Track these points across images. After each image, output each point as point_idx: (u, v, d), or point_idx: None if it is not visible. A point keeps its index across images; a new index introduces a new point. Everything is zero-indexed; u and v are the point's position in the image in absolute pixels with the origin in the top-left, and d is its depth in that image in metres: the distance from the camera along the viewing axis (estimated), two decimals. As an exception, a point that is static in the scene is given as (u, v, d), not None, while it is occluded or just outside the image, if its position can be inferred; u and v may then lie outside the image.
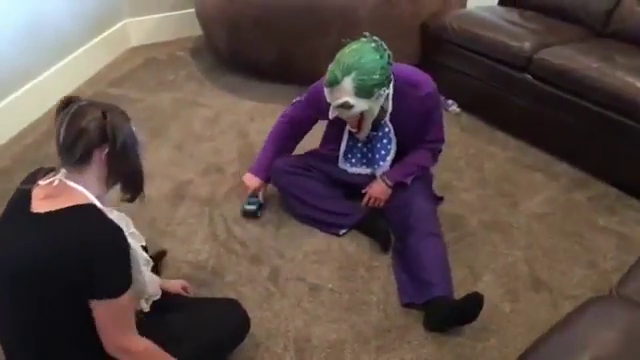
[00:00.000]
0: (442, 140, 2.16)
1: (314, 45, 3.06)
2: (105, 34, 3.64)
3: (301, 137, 2.28)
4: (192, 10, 3.64)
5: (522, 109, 2.80)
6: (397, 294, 1.91)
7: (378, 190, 2.14)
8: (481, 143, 2.85)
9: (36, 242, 1.21)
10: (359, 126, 2.02)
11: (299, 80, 3.27)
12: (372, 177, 2.18)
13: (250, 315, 1.65)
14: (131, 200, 1.39)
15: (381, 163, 2.12)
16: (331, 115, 1.95)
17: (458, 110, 3.14)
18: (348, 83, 1.82)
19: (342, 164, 2.20)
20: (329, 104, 1.93)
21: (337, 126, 2.13)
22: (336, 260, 2.07)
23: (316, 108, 2.10)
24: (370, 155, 2.16)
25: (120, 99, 3.15)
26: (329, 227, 2.18)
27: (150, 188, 2.41)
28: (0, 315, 1.33)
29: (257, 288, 1.94)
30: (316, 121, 2.22)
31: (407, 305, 1.87)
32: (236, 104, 3.17)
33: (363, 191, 2.18)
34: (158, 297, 1.50)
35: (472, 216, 2.30)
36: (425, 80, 2.01)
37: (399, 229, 2.07)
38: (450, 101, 3.16)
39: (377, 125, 2.05)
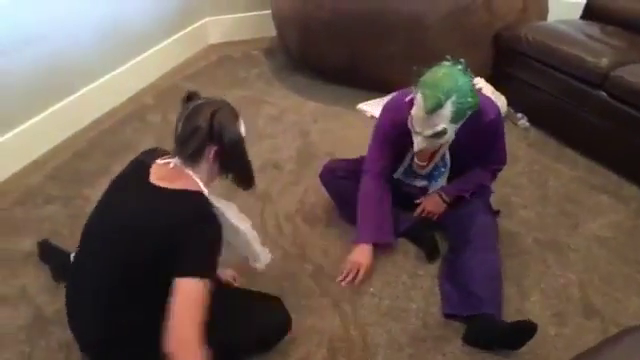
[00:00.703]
0: (504, 162, 2.10)
1: (382, 50, 3.07)
2: (186, 31, 3.82)
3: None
4: (268, 12, 3.75)
5: (594, 127, 2.67)
6: (438, 305, 1.88)
7: (433, 203, 2.11)
8: (547, 160, 2.74)
9: (147, 209, 1.38)
10: (430, 158, 1.98)
11: (364, 84, 3.30)
12: (424, 190, 2.15)
13: (289, 309, 1.69)
14: (244, 189, 1.56)
15: (434, 182, 2.10)
16: (417, 147, 1.84)
17: (527, 124, 3.03)
18: (448, 108, 1.74)
19: (396, 174, 2.18)
20: (407, 134, 1.86)
21: (397, 147, 2.03)
22: (380, 265, 2.06)
23: (393, 141, 2.00)
24: (425, 175, 2.14)
25: (192, 93, 3.29)
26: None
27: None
28: (76, 270, 1.48)
29: (300, 285, 1.97)
30: (398, 153, 2.09)
31: (448, 316, 1.83)
32: (301, 104, 3.23)
33: (417, 201, 2.15)
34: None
35: (528, 234, 2.22)
36: (489, 105, 1.92)
37: (456, 240, 2.03)
38: (519, 114, 3.06)
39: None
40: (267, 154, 2.74)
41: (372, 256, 1.99)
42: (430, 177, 2.11)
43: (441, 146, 1.93)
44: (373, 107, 3.10)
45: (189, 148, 1.41)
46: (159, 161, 1.46)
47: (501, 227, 2.22)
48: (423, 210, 2.13)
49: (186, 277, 1.32)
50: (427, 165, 2.02)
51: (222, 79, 3.52)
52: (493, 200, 2.26)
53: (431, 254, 2.07)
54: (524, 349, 1.70)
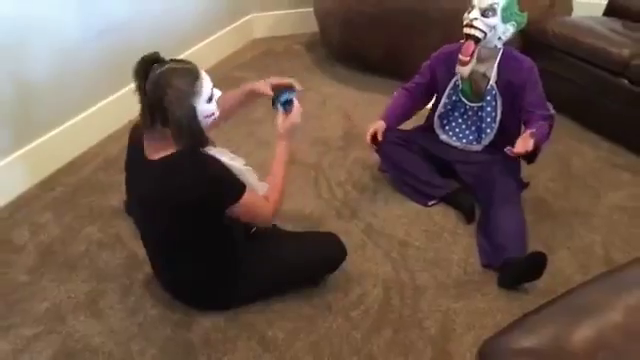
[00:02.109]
0: (547, 109, 2.33)
1: (420, 44, 3.33)
2: (233, 26, 4.13)
3: (419, 103, 2.57)
4: (309, 9, 4.04)
5: (617, 112, 2.92)
6: (476, 256, 2.14)
7: (523, 142, 2.12)
8: (572, 141, 2.98)
9: (154, 186, 1.61)
10: (472, 54, 2.25)
11: (402, 76, 3.54)
12: (463, 153, 2.42)
13: (346, 259, 1.96)
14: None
15: (488, 131, 2.36)
16: (470, 17, 2.20)
17: (553, 112, 3.27)
18: None
19: (438, 128, 2.47)
20: (450, 67, 2.33)
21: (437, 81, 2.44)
22: (423, 224, 2.33)
23: (434, 71, 2.43)
24: (470, 122, 2.42)
25: (242, 80, 3.57)
26: (420, 196, 2.44)
27: (266, 153, 2.81)
28: (142, 231, 1.83)
29: (353, 238, 2.24)
30: (431, 93, 2.50)
31: (485, 266, 2.09)
32: (342, 92, 3.51)
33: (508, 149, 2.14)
34: None
35: (554, 202, 2.47)
36: (526, 57, 2.30)
37: (485, 201, 2.29)
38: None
39: (481, 94, 2.31)
40: (316, 133, 3.02)
41: (383, 126, 2.45)
42: (479, 131, 2.39)
43: (482, 40, 2.22)
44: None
45: (155, 119, 1.56)
46: (145, 135, 1.63)
47: (529, 195, 2.48)
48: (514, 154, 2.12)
49: (233, 206, 1.63)
50: (469, 61, 2.27)
51: (268, 69, 3.82)
52: (522, 174, 2.53)
53: (469, 216, 2.33)
54: (553, 292, 1.96)
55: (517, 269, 1.95)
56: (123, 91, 3.00)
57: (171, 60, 1.59)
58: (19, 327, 1.81)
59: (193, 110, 1.55)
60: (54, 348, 1.74)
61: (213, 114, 1.63)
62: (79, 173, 2.63)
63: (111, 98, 2.96)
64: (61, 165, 2.66)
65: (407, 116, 2.60)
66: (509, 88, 2.29)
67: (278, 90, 1.83)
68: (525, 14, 2.26)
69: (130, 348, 1.74)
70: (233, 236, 1.79)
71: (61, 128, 2.64)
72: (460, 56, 2.30)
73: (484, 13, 2.20)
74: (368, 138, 2.43)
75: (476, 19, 2.21)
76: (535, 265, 1.94)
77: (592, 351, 1.16)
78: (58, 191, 2.49)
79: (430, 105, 2.57)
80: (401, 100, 2.57)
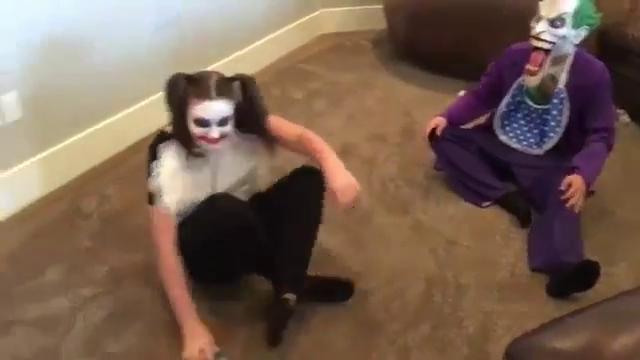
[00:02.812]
0: (612, 129, 2.23)
1: (488, 43, 3.26)
2: (302, 20, 4.22)
3: (485, 106, 2.52)
4: (378, 6, 4.05)
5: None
6: (527, 261, 2.09)
7: (579, 183, 2.08)
8: (644, 153, 2.84)
9: None
10: (541, 64, 2.20)
11: (469, 76, 3.49)
12: (522, 156, 2.36)
13: (390, 253, 2.03)
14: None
15: (551, 135, 2.30)
16: (537, 29, 2.14)
17: (628, 120, 3.13)
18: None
19: (498, 128, 2.42)
20: (517, 66, 2.28)
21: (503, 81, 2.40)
22: (475, 225, 2.29)
23: (501, 71, 2.40)
24: (533, 124, 2.35)
25: (308, 74, 3.68)
26: (475, 196, 2.40)
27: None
28: None
29: (400, 233, 2.25)
30: (499, 94, 2.43)
31: (534, 270, 2.04)
32: (405, 89, 3.50)
33: (562, 187, 2.09)
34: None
35: (621, 212, 2.36)
36: (599, 61, 2.22)
37: (540, 207, 2.23)
38: (620, 111, 3.16)
39: (548, 96, 2.25)
40: (374, 128, 3.03)
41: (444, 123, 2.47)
42: (542, 134, 2.32)
43: (552, 49, 2.16)
44: (475, 95, 3.31)
45: None
46: None
47: (595, 204, 2.37)
48: (567, 188, 2.08)
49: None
50: (538, 70, 2.21)
51: (334, 64, 3.87)
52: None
53: (524, 220, 2.27)
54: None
55: (567, 276, 1.89)
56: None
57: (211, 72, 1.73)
58: (79, 287, 1.95)
59: (184, 104, 1.65)
60: (108, 309, 1.86)
61: (204, 138, 1.67)
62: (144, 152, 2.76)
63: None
64: (131, 143, 2.81)
65: (471, 117, 2.57)
66: (578, 92, 2.22)
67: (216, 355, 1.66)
68: (599, 15, 2.18)
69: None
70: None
71: (134, 108, 2.80)
72: (528, 66, 2.25)
73: (553, 23, 2.14)
74: (427, 132, 2.44)
75: (544, 32, 2.15)
76: (586, 274, 1.87)
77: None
78: (125, 168, 2.64)
79: None
80: (466, 100, 2.55)
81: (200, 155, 1.73)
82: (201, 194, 1.75)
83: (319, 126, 3.05)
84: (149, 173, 1.73)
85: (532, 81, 2.27)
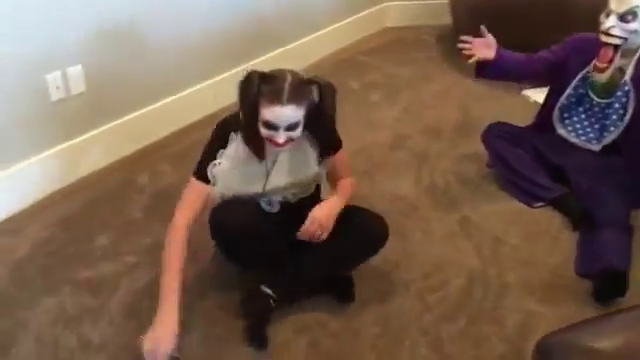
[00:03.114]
0: None
1: (555, 39, 3.14)
2: (366, 12, 4.20)
3: (532, 72, 2.41)
4: (443, 0, 3.97)
5: None
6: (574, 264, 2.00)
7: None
8: None
9: None
10: (611, 60, 2.10)
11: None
12: (578, 157, 2.25)
13: (433, 246, 1.98)
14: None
15: (611, 129, 2.18)
16: (607, 25, 2.05)
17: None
18: None
19: (557, 121, 2.31)
20: (583, 57, 2.18)
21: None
22: (525, 225, 2.21)
23: (567, 57, 2.28)
24: (594, 119, 2.24)
25: (366, 65, 3.67)
26: (526, 196, 2.31)
27: (375, 135, 2.85)
28: None
29: (445, 227, 2.20)
30: (550, 74, 2.35)
31: (579, 275, 1.94)
32: (465, 85, 3.42)
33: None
34: None
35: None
36: None
37: (591, 214, 2.11)
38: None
39: (613, 89, 2.15)
40: (429, 122, 2.99)
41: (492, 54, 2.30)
42: (602, 129, 2.21)
43: (623, 44, 2.07)
44: (537, 94, 3.19)
45: None
46: None
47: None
48: None
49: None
50: (607, 67, 2.11)
51: (395, 57, 3.83)
52: None
53: (577, 223, 2.17)
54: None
55: (607, 281, 1.80)
56: (250, 63, 3.18)
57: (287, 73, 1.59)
58: (126, 255, 2.03)
59: (255, 105, 1.57)
60: (150, 277, 1.93)
61: (270, 140, 1.60)
62: (201, 132, 2.83)
63: (238, 69, 3.15)
64: (187, 124, 2.89)
65: (513, 71, 2.37)
66: None
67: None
68: None
69: (217, 285, 1.87)
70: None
71: (192, 89, 2.88)
72: (597, 63, 2.15)
73: (623, 18, 2.04)
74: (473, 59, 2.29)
75: (613, 27, 2.06)
76: (618, 280, 1.77)
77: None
78: (179, 147, 2.72)
79: (541, 100, 2.42)
80: (521, 57, 2.38)
81: (261, 153, 1.68)
82: (251, 189, 1.73)
83: (373, 117, 3.04)
84: (210, 149, 1.71)
85: (601, 78, 2.17)
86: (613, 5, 2.07)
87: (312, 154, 1.75)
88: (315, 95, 1.60)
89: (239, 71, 1.55)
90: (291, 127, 1.57)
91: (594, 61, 2.17)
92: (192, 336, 1.70)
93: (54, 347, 1.68)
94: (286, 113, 1.54)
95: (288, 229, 1.72)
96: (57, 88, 2.26)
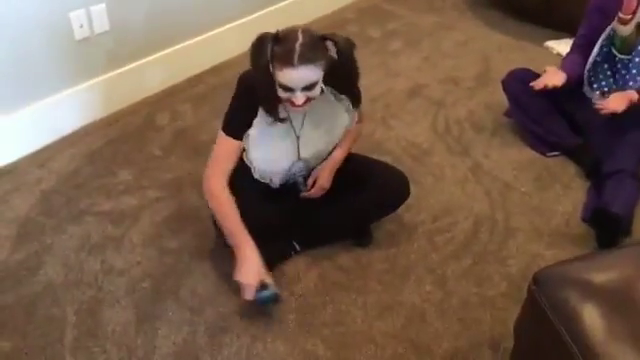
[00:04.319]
0: None
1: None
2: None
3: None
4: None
5: None
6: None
7: (617, 99, 2.07)
8: None
9: None
10: (635, 11, 2.06)
11: (555, 25, 3.32)
12: (595, 115, 2.22)
13: (443, 190, 2.04)
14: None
15: (630, 84, 2.16)
16: None
17: None
18: None
19: (587, 87, 2.28)
20: (605, 13, 2.12)
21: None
22: (536, 172, 2.23)
23: (594, 16, 2.23)
24: (618, 75, 2.22)
25: (389, 13, 3.62)
26: (541, 144, 2.32)
27: (393, 83, 2.86)
28: None
29: (457, 172, 2.23)
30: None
31: (584, 221, 1.96)
32: (488, 35, 3.37)
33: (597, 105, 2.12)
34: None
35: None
36: None
37: (602, 166, 2.13)
38: None
39: (633, 45, 2.13)
40: (448, 71, 2.97)
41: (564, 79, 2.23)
42: (624, 78, 2.19)
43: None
44: (561, 46, 3.13)
45: None
46: None
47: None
48: (602, 108, 2.08)
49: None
50: (631, 19, 2.09)
51: (417, 5, 3.76)
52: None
53: (590, 173, 2.18)
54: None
55: (599, 222, 1.86)
56: (275, 7, 3.18)
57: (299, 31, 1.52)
58: (146, 189, 2.12)
59: (269, 68, 1.51)
60: (170, 211, 2.02)
61: (289, 102, 1.56)
62: (222, 75, 2.89)
63: (262, 12, 3.16)
64: (209, 67, 2.93)
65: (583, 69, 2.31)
66: None
67: (262, 284, 1.62)
68: None
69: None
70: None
71: (214, 32, 2.90)
72: (620, 14, 2.10)
73: None
74: (541, 86, 2.23)
75: None
76: (607, 222, 1.83)
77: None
78: (201, 88, 2.77)
79: (564, 52, 2.39)
80: (573, 58, 2.34)
81: (284, 120, 1.65)
82: (285, 160, 1.73)
83: (392, 66, 3.04)
84: (239, 103, 1.67)
85: (624, 30, 2.12)
86: None
87: (340, 107, 1.75)
88: (332, 52, 1.56)
89: (264, 14, 1.49)
90: (308, 87, 1.53)
91: (619, 13, 2.12)
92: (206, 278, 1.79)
93: (79, 270, 1.79)
94: (299, 75, 1.49)
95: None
96: (81, 26, 2.31)
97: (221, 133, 1.68)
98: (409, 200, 2.04)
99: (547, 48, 3.21)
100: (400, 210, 1.98)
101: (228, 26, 2.95)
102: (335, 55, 1.55)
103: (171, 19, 2.66)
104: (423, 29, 3.44)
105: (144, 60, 2.62)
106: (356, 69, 1.63)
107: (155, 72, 2.68)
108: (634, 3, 2.06)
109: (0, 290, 1.72)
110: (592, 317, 1.09)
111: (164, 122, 2.51)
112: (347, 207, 1.82)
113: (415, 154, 2.33)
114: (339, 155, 1.81)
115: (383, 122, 2.54)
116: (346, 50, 1.55)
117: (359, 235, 1.90)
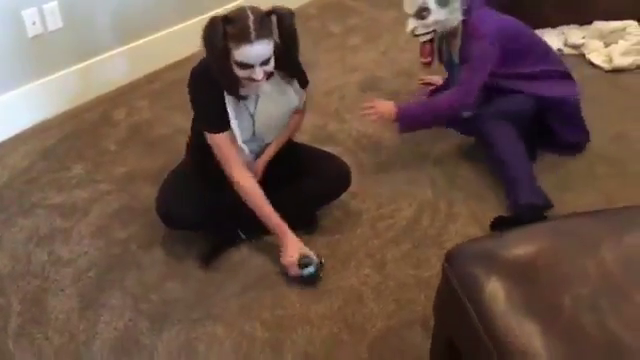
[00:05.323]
0: (465, 88, 2.05)
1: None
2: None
3: None
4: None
5: None
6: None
7: (384, 107, 2.13)
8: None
9: None
10: (430, 53, 2.23)
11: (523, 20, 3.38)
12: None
13: (390, 180, 2.12)
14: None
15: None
16: (408, 28, 2.09)
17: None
18: None
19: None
20: None
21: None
22: (481, 160, 2.29)
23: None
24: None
25: (350, 9, 3.68)
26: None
27: (349, 77, 2.91)
28: None
29: (404, 162, 2.29)
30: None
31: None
32: (447, 30, 3.44)
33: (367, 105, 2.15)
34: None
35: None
36: (484, 24, 2.03)
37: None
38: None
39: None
40: (405, 65, 3.01)
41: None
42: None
43: (436, 40, 2.19)
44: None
45: None
46: None
47: (611, 153, 2.31)
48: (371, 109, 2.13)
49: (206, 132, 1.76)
50: (431, 62, 2.25)
51: (380, 1, 3.82)
52: (598, 128, 2.35)
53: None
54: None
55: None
56: (234, 4, 3.22)
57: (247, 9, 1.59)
58: (99, 183, 2.16)
59: (224, 49, 1.58)
60: (121, 203, 2.06)
61: (249, 79, 1.63)
62: (180, 72, 2.92)
63: (220, 9, 3.19)
64: (169, 62, 2.96)
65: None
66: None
67: (305, 258, 1.75)
68: None
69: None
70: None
71: (171, 29, 2.94)
72: (421, 60, 2.39)
73: (419, 16, 2.05)
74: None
75: (416, 27, 2.10)
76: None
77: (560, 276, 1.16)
78: (159, 84, 2.81)
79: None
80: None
81: (244, 98, 1.73)
82: (244, 135, 1.78)
83: (350, 60, 3.09)
84: (204, 98, 1.72)
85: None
86: (406, 9, 2.07)
87: (289, 87, 1.82)
88: (275, 24, 1.64)
89: (223, 11, 1.55)
90: (265, 62, 1.60)
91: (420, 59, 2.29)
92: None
93: (27, 262, 1.83)
94: (256, 50, 1.56)
95: None
96: (33, 24, 2.34)
97: (209, 135, 1.73)
98: (356, 188, 2.11)
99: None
100: (346, 198, 2.04)
101: (185, 24, 3.00)
102: (276, 27, 1.63)
103: (127, 16, 2.70)
104: (383, 24, 3.50)
105: (100, 57, 2.66)
106: (296, 38, 1.70)
107: (112, 69, 2.71)
108: (428, 47, 2.25)
109: (-53, 282, 1.75)
110: (495, 290, 1.14)
111: (120, 118, 2.55)
112: (289, 195, 1.87)
113: (365, 145, 2.39)
114: (273, 148, 1.87)
115: (337, 115, 2.60)
116: (286, 20, 1.63)
117: (304, 223, 1.96)
